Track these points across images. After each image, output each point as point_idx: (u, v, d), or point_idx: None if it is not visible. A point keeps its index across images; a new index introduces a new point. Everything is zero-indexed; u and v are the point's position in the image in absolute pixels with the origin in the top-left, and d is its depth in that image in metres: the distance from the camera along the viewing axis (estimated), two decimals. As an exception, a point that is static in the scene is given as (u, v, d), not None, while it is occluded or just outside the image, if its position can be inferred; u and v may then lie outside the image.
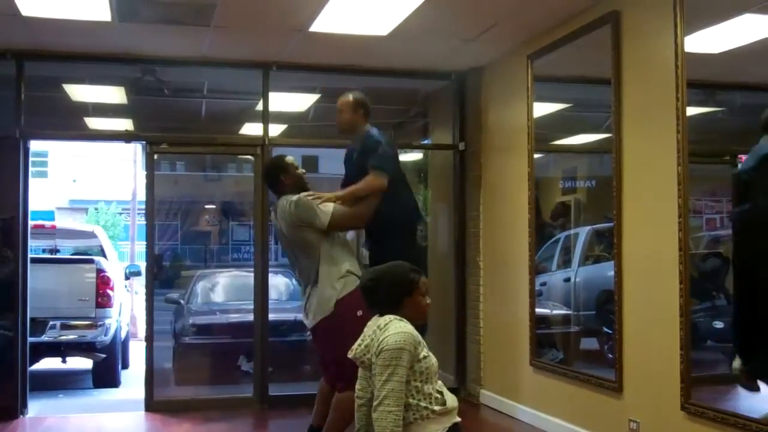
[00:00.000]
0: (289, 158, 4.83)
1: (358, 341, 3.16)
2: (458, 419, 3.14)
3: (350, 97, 4.86)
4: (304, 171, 4.79)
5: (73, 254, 9.51)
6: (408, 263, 3.35)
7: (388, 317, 3.10)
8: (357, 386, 3.25)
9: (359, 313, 4.07)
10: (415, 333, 3.05)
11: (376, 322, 3.12)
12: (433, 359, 3.08)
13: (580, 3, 5.03)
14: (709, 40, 4.24)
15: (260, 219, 6.56)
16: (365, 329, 3.16)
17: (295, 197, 4.55)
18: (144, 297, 6.82)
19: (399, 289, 3.18)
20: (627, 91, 4.74)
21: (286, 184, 4.68)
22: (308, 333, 4.93)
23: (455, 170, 7.08)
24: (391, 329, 3.02)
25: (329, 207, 4.52)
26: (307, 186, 4.74)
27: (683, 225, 4.14)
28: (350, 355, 3.16)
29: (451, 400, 3.10)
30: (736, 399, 4.25)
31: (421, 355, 3.02)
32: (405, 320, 3.09)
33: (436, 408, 3.02)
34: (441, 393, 3.07)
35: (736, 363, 3.99)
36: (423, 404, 2.99)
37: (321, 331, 4.55)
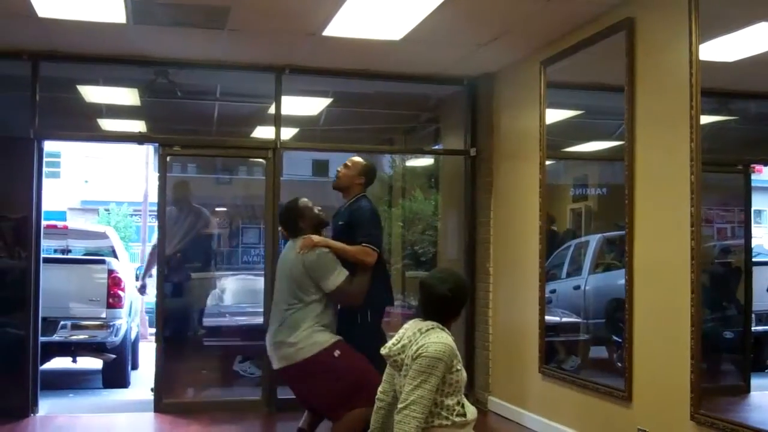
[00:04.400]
0: (303, 201, 4.82)
1: (394, 339, 3.16)
2: None
3: (363, 162, 4.97)
4: (320, 209, 4.79)
5: (84, 255, 9.54)
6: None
7: (431, 323, 3.10)
8: (379, 388, 3.25)
9: (336, 353, 4.45)
10: (454, 345, 3.06)
11: (417, 325, 3.12)
12: (464, 374, 3.10)
13: (594, 10, 5.03)
14: (724, 49, 4.23)
15: (271, 222, 6.57)
16: (402, 330, 3.16)
17: (318, 250, 4.55)
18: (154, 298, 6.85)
19: (463, 304, 3.23)
20: (640, 98, 4.73)
21: (304, 228, 4.70)
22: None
23: (466, 176, 7.07)
24: (432, 337, 3.02)
25: (342, 277, 4.52)
26: (324, 221, 4.78)
27: (695, 234, 4.12)
28: (383, 352, 3.16)
29: (471, 413, 3.10)
30: (747, 410, 4.23)
31: (455, 368, 3.02)
32: (447, 330, 3.10)
33: (456, 419, 3.02)
34: (462, 405, 3.07)
35: None
36: (444, 413, 3.00)
37: (294, 373, 4.56)
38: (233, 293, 9.02)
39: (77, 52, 6.23)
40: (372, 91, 7.61)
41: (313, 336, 4.48)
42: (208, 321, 7.92)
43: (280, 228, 5.07)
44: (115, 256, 8.88)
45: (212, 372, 7.58)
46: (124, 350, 8.48)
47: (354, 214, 4.78)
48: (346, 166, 4.95)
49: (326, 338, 4.51)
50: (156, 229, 6.88)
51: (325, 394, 4.50)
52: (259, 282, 6.90)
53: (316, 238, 4.60)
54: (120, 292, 8.06)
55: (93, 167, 29.91)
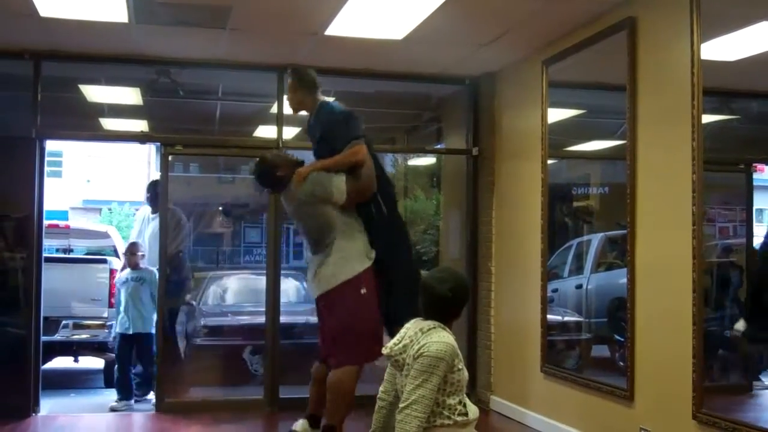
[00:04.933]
0: (268, 154, 4.84)
1: (395, 339, 3.16)
2: None
3: (290, 74, 4.90)
4: (284, 149, 4.78)
5: (86, 254, 9.55)
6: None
7: (432, 323, 3.11)
8: (381, 388, 3.26)
9: (363, 291, 4.43)
10: (455, 345, 3.07)
11: (418, 325, 3.13)
12: (465, 373, 3.10)
13: (595, 9, 5.02)
14: (726, 48, 4.23)
15: (272, 221, 6.58)
16: (404, 330, 3.17)
17: (309, 178, 4.53)
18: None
19: (464, 304, 3.24)
20: (642, 97, 4.73)
21: (285, 175, 4.63)
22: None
23: (468, 175, 7.07)
24: (434, 336, 3.03)
25: (342, 181, 4.49)
26: (297, 160, 4.71)
27: (697, 233, 4.12)
28: (385, 352, 3.17)
29: (473, 412, 3.10)
30: (749, 409, 4.23)
31: (456, 368, 3.03)
32: (448, 329, 3.11)
33: (458, 419, 3.03)
34: (464, 405, 3.07)
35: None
36: (446, 413, 3.01)
37: (325, 302, 4.59)
38: (234, 292, 9.01)
39: (79, 51, 6.24)
40: (374, 90, 7.60)
41: (347, 261, 4.48)
42: (207, 321, 7.92)
43: (266, 190, 4.98)
44: (117, 256, 8.88)
45: (211, 371, 7.59)
46: (126, 350, 8.47)
47: (324, 125, 4.74)
48: (285, 93, 4.94)
49: (358, 267, 4.49)
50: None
51: (336, 328, 4.50)
52: (261, 281, 6.89)
53: (301, 169, 4.57)
54: (122, 292, 8.07)
55: (95, 167, 29.89)
